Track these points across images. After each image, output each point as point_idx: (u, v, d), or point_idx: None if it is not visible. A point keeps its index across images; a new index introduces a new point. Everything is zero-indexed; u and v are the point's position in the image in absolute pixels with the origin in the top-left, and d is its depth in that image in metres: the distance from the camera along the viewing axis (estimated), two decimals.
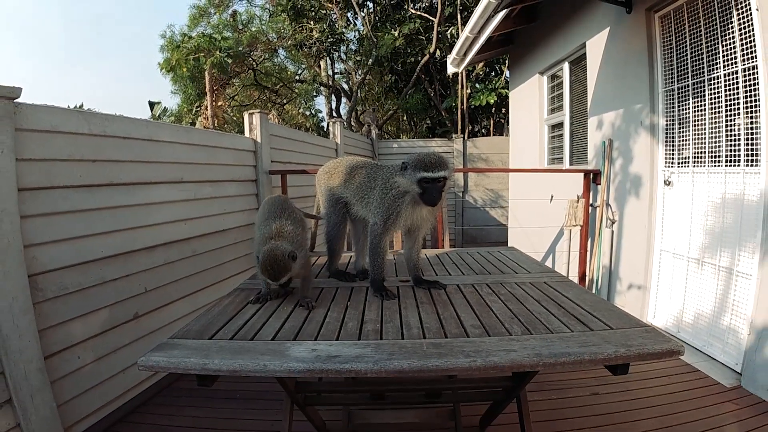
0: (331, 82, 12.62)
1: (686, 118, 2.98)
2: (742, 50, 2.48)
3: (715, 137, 2.74)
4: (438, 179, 1.53)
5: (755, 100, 2.41)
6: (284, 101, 14.26)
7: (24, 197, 1.83)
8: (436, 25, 9.63)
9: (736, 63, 2.53)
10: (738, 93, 2.53)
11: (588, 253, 3.93)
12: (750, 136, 2.48)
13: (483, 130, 10.83)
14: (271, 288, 1.55)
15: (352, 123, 11.70)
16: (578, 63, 4.41)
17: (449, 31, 9.77)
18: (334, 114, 12.65)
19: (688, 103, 2.94)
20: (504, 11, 4.16)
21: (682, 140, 3.04)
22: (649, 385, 2.46)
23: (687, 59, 2.92)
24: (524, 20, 5.05)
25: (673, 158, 3.13)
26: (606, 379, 2.49)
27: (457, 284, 1.79)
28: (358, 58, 11.60)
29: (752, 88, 2.43)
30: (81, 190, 2.12)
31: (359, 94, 12.30)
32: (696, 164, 2.92)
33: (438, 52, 9.92)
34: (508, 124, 7.99)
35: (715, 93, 2.71)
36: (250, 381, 2.49)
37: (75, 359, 2.05)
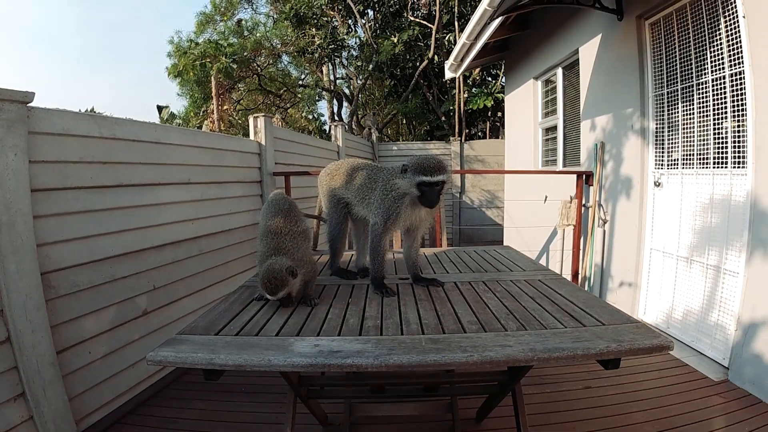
0: (332, 87, 12.62)
1: (675, 121, 2.98)
2: (730, 56, 2.48)
3: (704, 140, 2.74)
4: (436, 183, 1.53)
5: (742, 105, 2.41)
6: (288, 105, 14.26)
7: (37, 198, 1.84)
8: (434, 32, 9.63)
9: (723, 68, 2.53)
10: (725, 97, 2.53)
11: (581, 252, 3.93)
12: (737, 139, 2.48)
13: (480, 133, 10.83)
14: (271, 300, 1.49)
15: (353, 126, 11.69)
16: (571, 68, 4.41)
17: (447, 38, 9.77)
18: (336, 118, 12.65)
19: (677, 107, 2.94)
20: (499, 19, 4.16)
21: (672, 143, 3.04)
22: (640, 379, 2.46)
23: (676, 65, 2.92)
24: (519, 27, 5.06)
25: (662, 160, 3.13)
26: (598, 373, 2.49)
27: (455, 282, 1.79)
28: (359, 64, 11.60)
29: (739, 92, 2.43)
30: (92, 191, 2.12)
31: (360, 99, 12.30)
32: (685, 166, 2.92)
33: (436, 57, 9.93)
34: (503, 127, 8.00)
35: (703, 97, 2.71)
36: (255, 375, 2.49)
37: (86, 354, 2.05)
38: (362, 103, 12.89)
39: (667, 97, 3.03)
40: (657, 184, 3.17)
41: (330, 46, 10.52)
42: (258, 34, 12.15)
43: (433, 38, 9.69)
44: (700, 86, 2.72)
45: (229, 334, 1.27)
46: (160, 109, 12.53)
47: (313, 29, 10.93)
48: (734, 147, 2.50)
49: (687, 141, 2.88)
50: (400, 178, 1.59)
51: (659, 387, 2.37)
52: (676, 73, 2.92)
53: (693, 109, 2.79)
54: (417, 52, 10.29)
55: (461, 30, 8.42)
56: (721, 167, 2.60)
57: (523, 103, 5.57)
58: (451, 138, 9.15)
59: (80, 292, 2.03)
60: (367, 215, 1.74)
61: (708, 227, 2.71)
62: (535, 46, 4.99)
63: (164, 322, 2.54)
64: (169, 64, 11.07)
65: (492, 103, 9.27)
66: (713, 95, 2.62)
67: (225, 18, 12.70)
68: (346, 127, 10.08)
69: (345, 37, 10.96)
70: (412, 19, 10.25)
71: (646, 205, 3.26)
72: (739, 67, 2.41)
